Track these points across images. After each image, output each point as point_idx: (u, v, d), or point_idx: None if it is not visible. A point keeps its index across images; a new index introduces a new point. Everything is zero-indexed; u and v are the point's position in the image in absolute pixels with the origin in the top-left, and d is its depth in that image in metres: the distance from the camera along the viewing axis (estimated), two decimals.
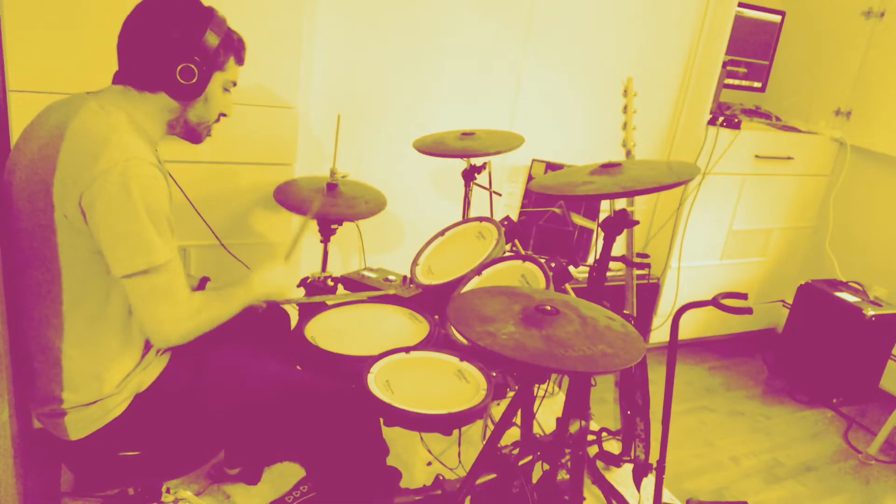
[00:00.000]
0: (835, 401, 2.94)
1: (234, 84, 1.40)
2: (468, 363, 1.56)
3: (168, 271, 1.21)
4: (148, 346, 1.35)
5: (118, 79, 1.30)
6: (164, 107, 1.31)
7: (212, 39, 1.27)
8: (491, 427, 2.16)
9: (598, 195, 1.47)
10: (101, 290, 1.23)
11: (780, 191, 3.19)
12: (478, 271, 1.75)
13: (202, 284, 1.67)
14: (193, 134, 1.39)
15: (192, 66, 1.26)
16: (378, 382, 1.45)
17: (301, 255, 2.29)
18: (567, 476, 1.67)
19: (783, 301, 3.44)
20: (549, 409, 2.44)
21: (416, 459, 2.11)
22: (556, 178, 1.66)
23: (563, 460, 1.71)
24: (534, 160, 2.70)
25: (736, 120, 2.91)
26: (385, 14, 2.35)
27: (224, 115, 1.42)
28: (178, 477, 1.75)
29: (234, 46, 1.35)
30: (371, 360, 1.52)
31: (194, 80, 1.27)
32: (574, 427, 1.57)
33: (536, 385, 1.70)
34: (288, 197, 2.02)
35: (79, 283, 1.22)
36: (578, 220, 2.60)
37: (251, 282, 1.43)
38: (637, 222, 1.66)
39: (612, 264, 1.73)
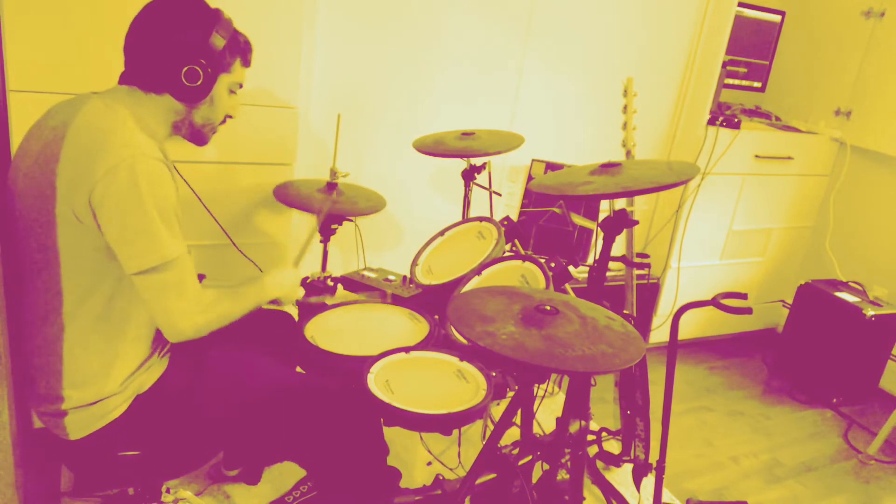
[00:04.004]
0: (835, 401, 2.94)
1: (241, 86, 1.40)
2: (468, 363, 1.56)
3: (179, 266, 1.21)
4: (152, 345, 1.35)
5: (124, 79, 1.30)
6: (170, 108, 1.31)
7: (217, 41, 1.27)
8: (491, 427, 2.16)
9: (598, 195, 1.47)
10: (105, 289, 1.23)
11: (780, 191, 3.19)
12: (478, 271, 1.75)
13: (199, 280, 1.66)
14: (199, 135, 1.39)
15: (198, 69, 1.26)
16: (378, 382, 1.45)
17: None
18: (567, 476, 1.67)
19: (783, 301, 3.44)
20: (549, 409, 2.44)
21: (416, 459, 2.11)
22: (555, 178, 1.66)
23: (563, 460, 1.70)
24: (534, 160, 2.70)
25: (736, 120, 2.91)
26: (385, 14, 2.35)
27: (230, 116, 1.42)
28: (178, 477, 1.76)
29: (240, 48, 1.35)
30: (371, 360, 1.51)
31: (199, 83, 1.27)
32: (574, 427, 1.57)
33: (536, 385, 1.70)
34: (288, 195, 2.02)
35: (81, 281, 1.22)
36: (578, 220, 2.60)
37: (264, 283, 1.43)
38: (637, 222, 1.66)
39: (611, 264, 1.73)
